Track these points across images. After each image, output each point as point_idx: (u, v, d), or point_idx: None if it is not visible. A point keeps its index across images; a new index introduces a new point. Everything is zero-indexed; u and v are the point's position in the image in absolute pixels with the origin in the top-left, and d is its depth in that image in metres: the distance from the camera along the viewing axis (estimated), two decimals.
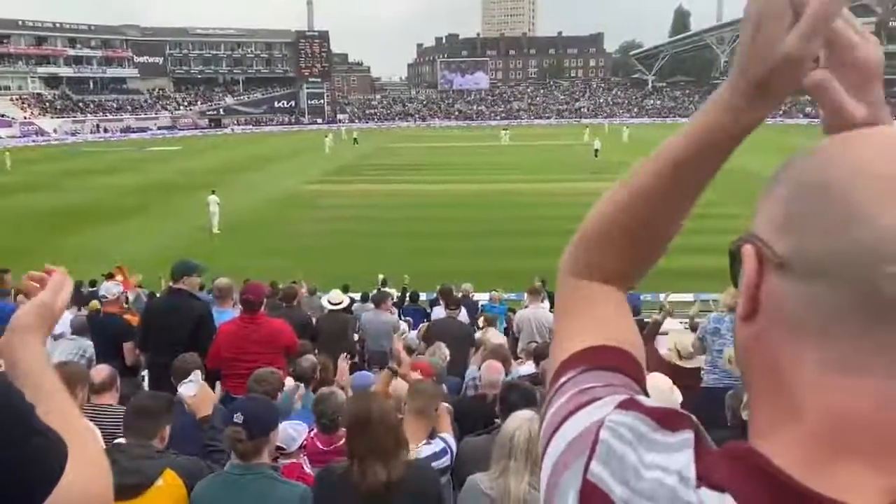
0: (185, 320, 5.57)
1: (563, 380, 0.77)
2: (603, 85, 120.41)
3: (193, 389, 3.51)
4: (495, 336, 7.87)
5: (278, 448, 3.31)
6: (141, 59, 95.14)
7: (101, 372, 4.40)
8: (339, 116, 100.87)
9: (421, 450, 3.37)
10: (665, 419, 0.65)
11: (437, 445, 3.45)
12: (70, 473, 1.02)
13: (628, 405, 0.68)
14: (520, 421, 2.97)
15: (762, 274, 0.61)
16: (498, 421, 3.75)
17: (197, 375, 3.64)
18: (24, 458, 0.97)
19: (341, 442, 3.78)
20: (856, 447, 0.54)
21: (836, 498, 0.53)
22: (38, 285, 1.34)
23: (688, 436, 0.62)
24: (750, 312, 0.63)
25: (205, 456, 3.27)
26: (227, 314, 6.36)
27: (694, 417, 0.65)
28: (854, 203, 0.54)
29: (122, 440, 3.14)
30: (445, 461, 3.43)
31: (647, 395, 0.74)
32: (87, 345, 5.87)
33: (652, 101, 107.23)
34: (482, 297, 12.41)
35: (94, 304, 7.80)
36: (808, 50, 0.64)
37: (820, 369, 0.56)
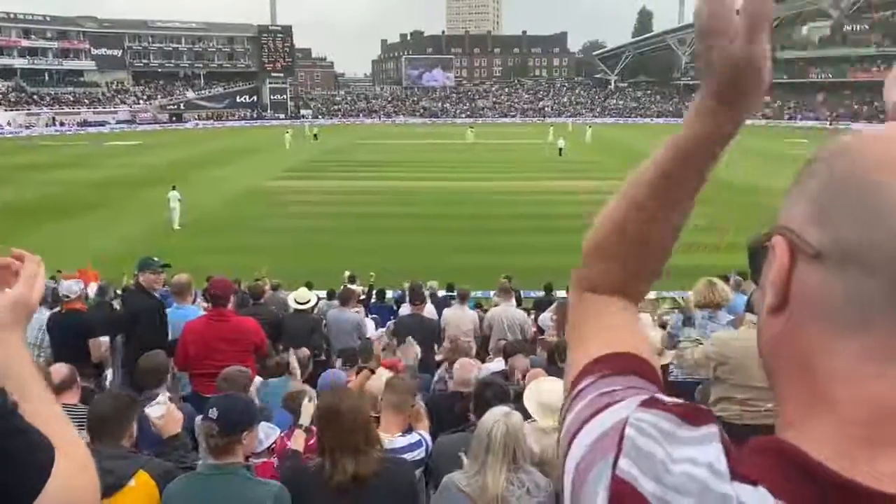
0: (131, 316, 5.54)
1: (581, 386, 0.77)
2: (566, 84, 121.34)
3: (160, 411, 3.43)
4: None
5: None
6: (99, 52, 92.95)
7: (60, 371, 4.33)
8: (303, 112, 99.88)
9: (395, 441, 3.38)
10: (688, 414, 0.65)
11: (412, 438, 3.47)
12: (58, 477, 0.98)
13: (650, 404, 0.68)
14: (496, 416, 2.97)
15: (793, 266, 0.61)
16: (473, 418, 3.76)
17: (164, 396, 3.55)
18: (9, 460, 0.93)
19: (312, 441, 3.75)
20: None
21: (878, 489, 0.52)
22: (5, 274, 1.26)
23: (713, 430, 0.62)
24: (780, 305, 0.62)
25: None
26: (186, 311, 6.27)
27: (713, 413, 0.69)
28: (889, 194, 0.55)
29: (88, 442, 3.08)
30: (420, 453, 3.45)
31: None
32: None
33: (614, 101, 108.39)
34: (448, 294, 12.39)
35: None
36: (754, 51, 0.67)
37: (857, 359, 0.56)
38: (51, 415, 1.12)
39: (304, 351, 5.12)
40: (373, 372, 4.64)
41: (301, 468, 3.02)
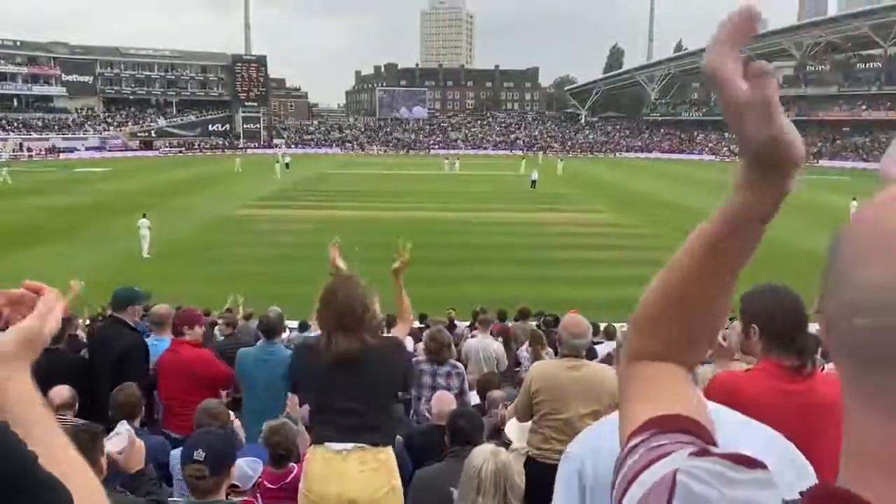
0: (109, 352, 5.31)
1: (633, 443, 0.78)
2: (538, 118, 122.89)
3: (121, 444, 3.18)
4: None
5: (232, 486, 3.18)
6: (69, 78, 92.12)
7: (60, 393, 4.29)
8: (276, 141, 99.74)
9: None
10: (741, 460, 0.66)
11: None
12: None
13: (702, 453, 0.69)
14: (485, 454, 2.94)
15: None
16: (451, 449, 3.77)
17: (124, 426, 3.34)
18: None
19: (290, 478, 3.69)
20: None
21: None
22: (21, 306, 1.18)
23: (767, 475, 0.63)
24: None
25: None
26: (165, 343, 6.12)
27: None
28: (840, 263, 0.59)
29: None
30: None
31: None
32: None
33: (584, 135, 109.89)
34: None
35: None
36: (775, 132, 0.70)
37: (857, 409, 0.59)
38: (65, 455, 1.07)
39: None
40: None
41: (307, 343, 3.50)
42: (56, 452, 1.05)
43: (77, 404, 4.37)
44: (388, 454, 3.30)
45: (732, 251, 0.82)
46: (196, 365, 5.24)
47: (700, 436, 0.78)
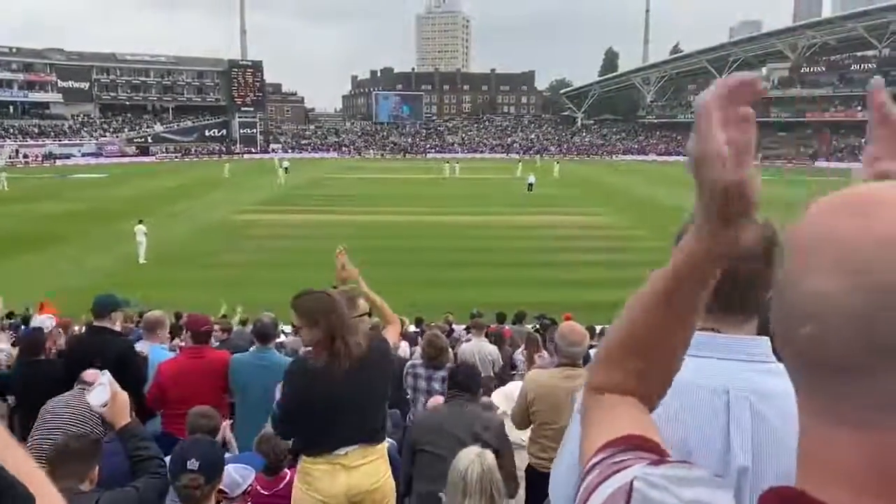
0: (104, 361, 5.22)
1: (592, 462, 0.81)
2: (534, 121, 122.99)
3: (104, 396, 2.94)
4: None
5: (220, 492, 3.15)
6: (66, 84, 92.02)
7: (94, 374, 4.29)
8: (273, 146, 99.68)
9: None
10: (695, 465, 0.68)
11: None
12: None
13: (659, 462, 0.72)
14: (470, 457, 2.95)
15: None
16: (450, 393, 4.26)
17: (105, 377, 3.02)
18: None
19: (283, 485, 3.66)
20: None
21: None
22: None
23: (727, 481, 0.66)
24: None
25: (134, 469, 3.00)
26: (158, 350, 6.08)
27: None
28: (785, 272, 0.60)
29: None
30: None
31: None
32: None
33: (581, 138, 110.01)
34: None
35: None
36: (742, 176, 0.72)
37: (809, 419, 0.61)
38: (25, 462, 1.06)
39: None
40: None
41: (299, 369, 3.53)
42: (16, 460, 1.04)
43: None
44: (383, 444, 3.62)
45: (687, 296, 0.85)
46: (223, 366, 5.18)
47: (658, 452, 0.80)
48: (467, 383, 4.24)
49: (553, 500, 1.24)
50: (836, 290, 0.54)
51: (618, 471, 0.75)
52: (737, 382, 1.22)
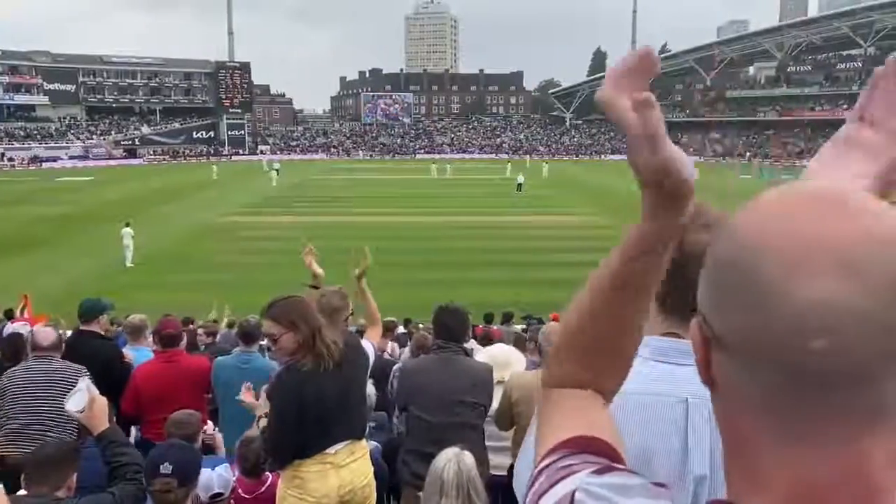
0: (92, 365, 5.18)
1: (544, 464, 0.79)
2: (523, 122, 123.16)
3: (82, 402, 2.92)
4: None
5: (217, 494, 3.12)
6: (52, 87, 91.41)
7: (48, 335, 4.65)
8: (261, 147, 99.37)
9: None
10: (640, 474, 0.66)
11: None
12: None
13: (603, 470, 0.70)
14: (448, 456, 2.95)
15: (708, 349, 0.62)
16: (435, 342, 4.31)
17: (83, 382, 3.02)
18: None
19: (264, 488, 3.63)
20: None
21: None
22: None
23: (667, 491, 0.63)
24: (708, 384, 0.63)
25: (112, 475, 2.95)
26: (142, 352, 6.03)
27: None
28: (765, 279, 0.54)
29: (23, 492, 2.89)
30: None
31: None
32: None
33: (570, 138, 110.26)
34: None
35: None
36: (662, 158, 0.72)
37: (775, 440, 0.57)
38: None
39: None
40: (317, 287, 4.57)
41: (285, 381, 3.48)
42: None
43: (63, 346, 4.78)
44: (365, 442, 3.70)
45: (637, 279, 0.83)
46: (199, 372, 5.21)
47: (609, 456, 0.78)
48: (457, 330, 4.25)
49: (517, 490, 1.22)
50: (847, 296, 0.51)
51: (563, 477, 0.74)
52: (696, 389, 1.22)
